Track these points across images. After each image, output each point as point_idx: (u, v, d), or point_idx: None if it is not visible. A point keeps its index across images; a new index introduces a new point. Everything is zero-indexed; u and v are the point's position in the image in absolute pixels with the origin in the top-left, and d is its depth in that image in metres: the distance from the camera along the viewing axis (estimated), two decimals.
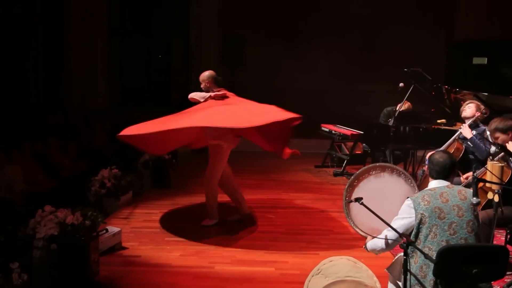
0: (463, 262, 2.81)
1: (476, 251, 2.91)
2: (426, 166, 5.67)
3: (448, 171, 3.23)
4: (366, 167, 4.02)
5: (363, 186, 3.91)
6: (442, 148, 5.43)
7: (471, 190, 3.25)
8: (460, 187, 3.23)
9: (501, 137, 4.59)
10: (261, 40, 11.95)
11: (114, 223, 5.57)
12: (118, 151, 7.24)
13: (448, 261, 2.82)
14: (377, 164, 4.04)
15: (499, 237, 5.22)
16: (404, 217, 3.14)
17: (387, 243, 3.21)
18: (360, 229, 4.16)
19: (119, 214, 6.05)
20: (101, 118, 9.30)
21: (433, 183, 3.26)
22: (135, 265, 4.63)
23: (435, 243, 3.03)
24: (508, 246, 4.48)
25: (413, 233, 3.10)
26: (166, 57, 12.40)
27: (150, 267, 4.59)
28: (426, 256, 2.90)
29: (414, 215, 3.09)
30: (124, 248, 4.96)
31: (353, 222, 4.20)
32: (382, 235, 3.23)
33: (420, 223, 3.07)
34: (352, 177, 4.06)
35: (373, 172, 3.97)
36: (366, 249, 3.40)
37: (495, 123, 4.62)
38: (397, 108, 7.41)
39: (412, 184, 3.83)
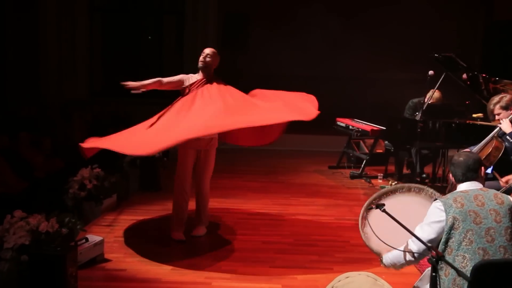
0: (504, 280, 2.79)
1: None
2: None
3: (472, 170, 3.29)
4: (390, 187, 3.95)
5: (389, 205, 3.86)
6: (478, 147, 5.42)
7: (508, 196, 3.27)
8: (496, 191, 3.26)
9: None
10: (267, 21, 11.94)
11: (96, 231, 5.57)
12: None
13: (485, 280, 2.80)
14: (405, 184, 3.97)
15: None
16: (433, 221, 3.15)
17: (412, 257, 3.21)
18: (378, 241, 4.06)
19: (101, 220, 6.06)
20: (80, 109, 9.31)
21: (463, 186, 3.30)
22: (120, 280, 4.62)
23: (470, 251, 3.03)
24: None
25: (442, 240, 3.11)
26: (157, 39, 12.40)
27: (136, 282, 4.58)
28: (459, 273, 2.90)
29: (445, 219, 3.10)
30: (107, 260, 4.95)
31: (366, 235, 4.12)
32: (403, 247, 3.23)
33: (451, 228, 3.08)
34: (372, 197, 3.99)
35: (397, 193, 3.94)
36: (384, 264, 3.40)
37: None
38: (425, 100, 7.39)
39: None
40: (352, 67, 11.82)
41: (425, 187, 3.85)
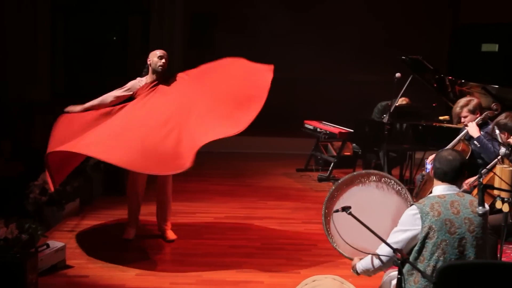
0: (468, 282, 2.84)
1: (483, 269, 2.94)
2: (426, 171, 5.76)
3: (457, 173, 3.19)
4: (348, 176, 4.01)
5: (346, 199, 3.90)
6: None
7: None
8: (472, 197, 3.21)
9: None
10: (236, 22, 11.95)
11: (57, 236, 5.51)
12: None
13: (450, 282, 2.85)
14: (363, 171, 4.03)
15: (509, 253, 5.33)
16: (407, 229, 3.10)
17: (380, 264, 3.19)
18: (346, 247, 4.11)
19: (63, 226, 5.99)
20: (41, 110, 9.17)
21: (440, 189, 3.21)
22: (82, 286, 4.58)
23: (440, 262, 3.02)
24: None
25: (416, 248, 3.08)
26: (122, 39, 12.30)
27: None
28: (423, 274, 2.93)
29: (420, 227, 3.05)
30: (69, 266, 4.90)
31: (335, 242, 4.17)
32: (369, 256, 3.23)
33: (426, 237, 3.04)
34: (332, 188, 4.05)
35: (358, 182, 3.96)
36: (356, 272, 3.39)
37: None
38: (392, 103, 7.48)
39: (405, 195, 3.83)
40: (321, 69, 11.90)
41: (378, 172, 3.90)
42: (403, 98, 7.57)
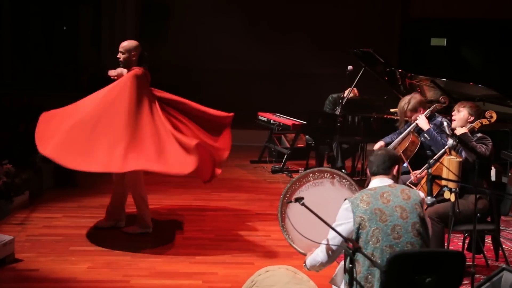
0: (415, 270, 2.92)
1: (430, 257, 3.03)
2: None
3: (387, 165, 3.34)
4: (301, 174, 4.12)
5: (300, 195, 3.99)
6: (395, 142, 5.63)
7: (415, 189, 3.39)
8: (404, 186, 3.33)
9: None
10: (189, 13, 11.88)
11: (6, 230, 5.40)
12: (11, 142, 7.00)
13: (399, 270, 2.92)
14: (315, 169, 4.14)
15: (456, 242, 5.49)
16: (342, 223, 3.21)
17: (328, 254, 3.28)
18: (302, 242, 4.20)
19: (11, 219, 5.88)
20: None
21: (374, 182, 3.35)
22: (32, 280, 4.51)
23: (378, 250, 3.11)
24: (466, 252, 4.73)
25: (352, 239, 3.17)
26: (72, 29, 12.08)
27: (50, 282, 4.48)
28: (374, 263, 2.99)
29: (352, 219, 3.17)
30: (18, 260, 4.82)
31: (291, 238, 4.27)
32: (318, 249, 3.31)
33: (359, 228, 3.14)
34: (287, 186, 4.14)
35: (311, 179, 4.07)
36: (306, 267, 3.46)
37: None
38: (344, 95, 7.59)
39: (355, 190, 3.97)
40: (274, 62, 11.97)
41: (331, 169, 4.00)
42: (351, 89, 7.67)
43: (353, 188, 4.04)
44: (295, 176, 4.24)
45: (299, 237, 3.79)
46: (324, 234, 3.31)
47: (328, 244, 3.25)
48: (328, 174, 4.08)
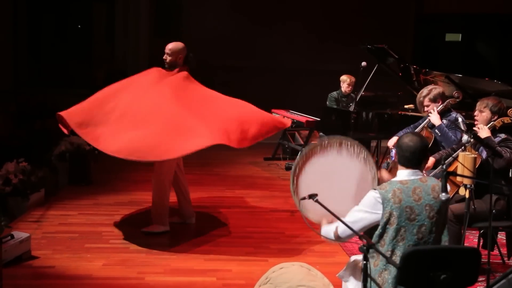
0: (430, 266, 2.90)
1: (445, 254, 3.01)
2: (391, 158, 5.85)
3: (419, 157, 3.25)
4: (310, 145, 3.93)
5: (308, 171, 3.84)
6: None
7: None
8: (435, 182, 3.27)
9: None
10: (204, 8, 11.89)
11: (22, 227, 5.44)
12: (27, 140, 7.05)
13: (414, 266, 2.91)
14: (323, 139, 3.97)
15: (472, 238, 5.45)
16: (368, 211, 3.17)
17: (338, 236, 3.24)
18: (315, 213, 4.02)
19: (28, 216, 5.91)
20: (4, 100, 9.03)
21: (404, 173, 3.27)
22: (48, 277, 4.53)
23: (401, 248, 3.11)
24: (481, 250, 4.70)
25: (377, 233, 3.16)
26: (86, 27, 12.14)
27: (66, 279, 4.50)
28: (389, 260, 2.98)
29: (381, 212, 3.13)
30: (34, 257, 4.85)
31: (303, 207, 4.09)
32: (334, 225, 3.26)
33: (387, 223, 3.12)
34: (295, 161, 3.96)
35: (319, 150, 3.90)
36: (321, 234, 3.42)
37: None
38: (343, 91, 7.64)
39: (367, 162, 3.73)
40: (287, 58, 11.95)
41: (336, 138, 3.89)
42: (346, 77, 7.83)
43: (364, 156, 3.79)
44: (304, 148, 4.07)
45: (313, 209, 3.65)
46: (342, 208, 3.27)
47: (345, 224, 3.14)
48: (336, 143, 3.88)
